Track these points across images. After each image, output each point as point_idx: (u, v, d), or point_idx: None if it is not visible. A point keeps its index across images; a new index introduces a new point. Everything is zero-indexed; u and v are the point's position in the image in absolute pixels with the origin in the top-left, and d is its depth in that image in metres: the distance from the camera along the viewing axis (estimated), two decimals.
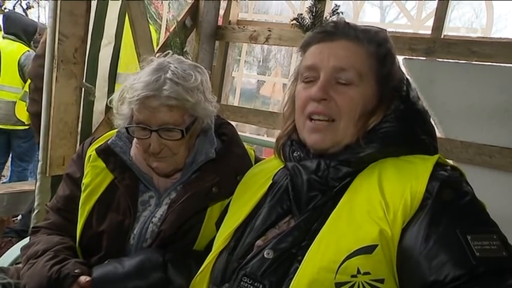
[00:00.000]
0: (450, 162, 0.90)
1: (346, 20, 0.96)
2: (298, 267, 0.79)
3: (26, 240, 1.30)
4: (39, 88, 2.13)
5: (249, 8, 3.63)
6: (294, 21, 2.32)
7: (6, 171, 4.23)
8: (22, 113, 3.54)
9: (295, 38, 2.48)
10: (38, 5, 8.27)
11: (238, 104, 3.75)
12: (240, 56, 4.38)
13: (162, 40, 3.21)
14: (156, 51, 2.51)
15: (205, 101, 1.15)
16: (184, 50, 2.63)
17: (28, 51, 3.66)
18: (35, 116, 2.39)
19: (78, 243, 1.18)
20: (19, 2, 7.70)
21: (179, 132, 1.10)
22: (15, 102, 3.62)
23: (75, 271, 1.04)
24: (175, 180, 1.20)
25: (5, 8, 7.07)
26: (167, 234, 1.11)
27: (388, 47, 0.92)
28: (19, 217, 3.21)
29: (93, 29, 2.20)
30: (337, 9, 2.20)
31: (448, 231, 0.73)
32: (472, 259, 0.69)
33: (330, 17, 2.24)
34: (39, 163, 2.02)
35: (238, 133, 1.30)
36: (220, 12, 2.96)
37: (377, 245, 0.74)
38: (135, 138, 1.18)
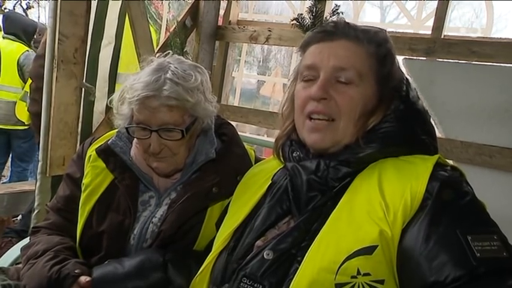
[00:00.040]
0: (450, 162, 0.90)
1: (346, 20, 0.96)
2: (298, 268, 0.79)
3: (26, 241, 1.30)
4: (40, 88, 2.13)
5: (249, 8, 3.63)
6: (294, 21, 2.32)
7: (7, 172, 4.23)
8: (22, 113, 3.55)
9: (295, 38, 2.48)
10: (38, 5, 8.27)
11: (238, 104, 3.75)
12: (240, 56, 4.38)
13: (162, 40, 3.21)
14: (156, 51, 2.51)
15: (206, 101, 1.15)
16: (185, 50, 2.63)
17: (27, 51, 3.67)
18: (36, 116, 2.39)
19: (78, 243, 1.18)
20: (19, 2, 7.70)
21: (179, 132, 1.10)
22: (16, 102, 3.63)
23: (75, 271, 1.04)
24: (176, 181, 1.20)
25: (5, 8, 7.07)
26: (167, 235, 1.11)
27: (388, 47, 0.92)
28: (19, 217, 3.21)
29: (93, 29, 2.20)
30: (337, 9, 2.20)
31: (448, 231, 0.73)
32: (473, 260, 0.69)
33: (330, 17, 2.24)
34: (40, 163, 2.02)
35: (239, 133, 1.30)
36: (220, 12, 2.96)
37: (377, 246, 0.74)
38: (135, 139, 1.18)
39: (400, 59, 0.98)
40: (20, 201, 2.66)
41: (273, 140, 1.06)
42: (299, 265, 0.79)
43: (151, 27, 2.58)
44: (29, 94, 3.33)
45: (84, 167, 1.22)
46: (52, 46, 1.94)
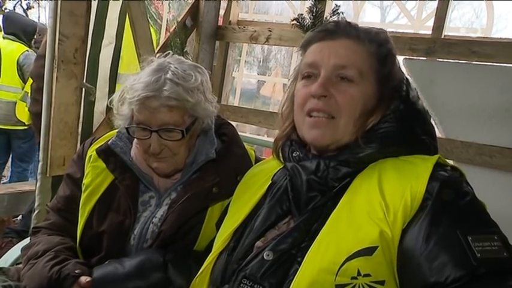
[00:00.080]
0: (450, 162, 0.90)
1: (348, 20, 0.96)
2: (298, 269, 0.78)
3: (27, 241, 1.30)
4: (41, 88, 2.13)
5: (249, 8, 3.63)
6: (294, 22, 2.32)
7: (7, 172, 4.23)
8: (22, 113, 3.55)
9: (295, 38, 2.48)
10: (39, 5, 8.28)
11: (238, 104, 3.75)
12: (240, 56, 4.38)
13: (162, 40, 3.21)
14: (156, 51, 2.51)
15: (206, 101, 1.15)
16: (185, 50, 2.63)
17: (27, 50, 3.67)
18: (37, 116, 2.39)
19: (78, 243, 1.18)
20: (19, 2, 7.70)
21: (179, 132, 1.10)
22: (16, 102, 3.63)
23: (76, 271, 1.04)
24: (176, 181, 1.20)
25: (5, 8, 7.08)
26: (167, 235, 1.11)
27: (389, 48, 0.92)
28: (19, 217, 3.21)
29: (93, 29, 2.20)
30: (337, 9, 2.20)
31: (449, 232, 0.73)
32: (473, 260, 0.69)
33: (330, 17, 2.24)
34: (40, 163, 2.02)
35: (239, 133, 1.30)
36: (220, 13, 2.96)
37: (377, 247, 0.74)
38: (135, 139, 1.18)
39: (400, 59, 0.98)
40: (20, 201, 2.66)
41: (273, 140, 1.05)
42: (299, 266, 0.79)
43: (151, 28, 2.58)
44: (29, 94, 3.34)
45: (84, 167, 1.22)
46: (52, 46, 1.95)
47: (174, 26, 2.73)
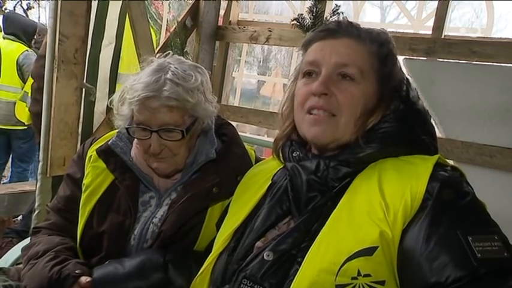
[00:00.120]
0: (451, 162, 0.90)
1: (350, 20, 0.96)
2: (298, 269, 0.78)
3: (27, 241, 1.30)
4: (41, 88, 2.13)
5: (249, 8, 3.63)
6: (295, 22, 2.32)
7: (7, 172, 4.23)
8: (22, 113, 3.55)
9: (295, 38, 2.48)
10: (39, 6, 8.28)
11: (238, 104, 3.75)
12: (240, 56, 4.38)
13: (162, 40, 3.21)
14: (156, 51, 2.51)
15: (206, 102, 1.15)
16: (185, 50, 2.63)
17: (27, 50, 3.67)
18: (37, 116, 2.39)
19: (78, 243, 1.18)
20: (19, 2, 7.71)
21: (179, 132, 1.10)
22: (16, 102, 3.63)
23: (76, 272, 1.04)
24: (176, 181, 1.20)
25: (5, 9, 7.08)
26: (168, 235, 1.11)
27: (389, 48, 0.92)
28: (20, 217, 3.21)
29: (93, 30, 2.20)
30: (337, 9, 2.20)
31: (449, 232, 0.73)
32: (473, 260, 0.69)
33: (331, 17, 2.24)
34: (40, 163, 2.02)
35: (239, 133, 1.30)
36: (220, 13, 2.96)
37: (377, 247, 0.74)
38: (135, 139, 1.18)
39: (400, 59, 0.98)
40: (21, 201, 2.67)
41: (273, 140, 1.05)
42: (299, 266, 0.79)
43: (150, 28, 2.58)
44: (29, 94, 3.34)
45: (84, 167, 1.22)
46: (52, 46, 1.95)
47: (174, 26, 2.73)
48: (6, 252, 1.50)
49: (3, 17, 3.95)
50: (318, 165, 0.87)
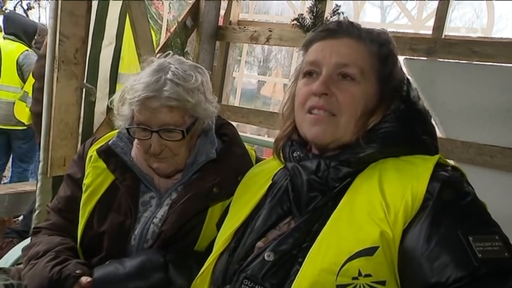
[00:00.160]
0: (451, 162, 0.90)
1: (350, 20, 0.96)
2: (299, 269, 0.78)
3: (27, 241, 1.30)
4: (43, 88, 2.14)
5: (250, 8, 3.63)
6: (295, 22, 2.32)
7: (7, 172, 4.24)
8: (21, 113, 3.55)
9: (296, 38, 2.48)
10: (39, 6, 8.29)
11: (238, 105, 3.75)
12: (240, 56, 4.38)
13: (162, 41, 3.21)
14: (156, 51, 2.51)
15: (206, 102, 1.15)
16: (185, 50, 2.63)
17: (27, 50, 3.67)
18: (38, 116, 2.40)
19: (79, 243, 1.18)
20: (20, 2, 7.71)
21: (180, 133, 1.10)
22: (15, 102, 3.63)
23: (76, 272, 1.04)
24: (176, 181, 1.20)
25: (5, 9, 7.09)
26: (168, 235, 1.11)
27: (390, 48, 0.92)
28: (20, 218, 3.21)
29: (94, 30, 2.20)
30: (337, 9, 2.20)
31: (450, 232, 0.73)
32: (474, 260, 0.69)
33: (331, 17, 2.24)
34: (40, 164, 2.02)
35: (239, 133, 1.30)
36: (221, 13, 2.96)
37: (378, 247, 0.74)
38: (136, 139, 1.18)
39: (400, 59, 0.98)
40: (21, 201, 2.67)
41: (273, 140, 1.05)
42: (300, 266, 0.79)
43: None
44: (29, 94, 3.34)
45: (85, 167, 1.22)
46: (53, 46, 1.95)
47: (174, 26, 2.73)
48: (7, 252, 1.50)
49: (4, 17, 3.95)
50: (318, 165, 0.87)
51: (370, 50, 0.90)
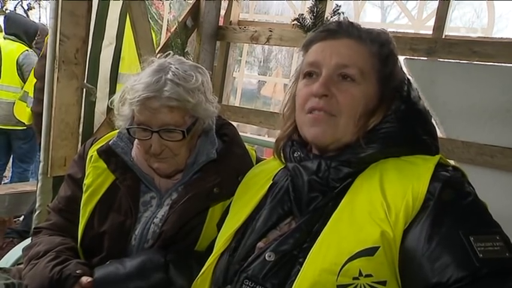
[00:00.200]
0: (451, 162, 0.90)
1: (350, 20, 0.96)
2: (299, 270, 0.78)
3: (28, 241, 1.30)
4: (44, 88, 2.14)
5: (250, 8, 3.62)
6: (295, 22, 2.32)
7: (8, 172, 4.24)
8: (21, 113, 3.55)
9: (296, 38, 2.48)
10: (39, 6, 8.28)
11: (239, 105, 3.75)
12: (241, 57, 4.38)
13: (163, 41, 3.21)
14: (157, 51, 2.51)
15: (206, 102, 1.15)
16: (186, 50, 2.63)
17: (27, 50, 3.67)
18: (40, 116, 2.40)
19: (79, 243, 1.18)
20: (20, 3, 7.71)
21: (180, 133, 1.10)
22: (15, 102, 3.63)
23: (77, 272, 1.05)
24: (177, 181, 1.20)
25: (6, 9, 7.09)
26: (168, 235, 1.11)
27: (390, 48, 0.92)
28: (21, 218, 3.21)
29: (94, 30, 2.20)
30: (338, 9, 2.20)
31: (451, 232, 0.73)
32: (475, 261, 0.69)
33: (331, 17, 2.24)
34: (41, 164, 2.02)
35: (240, 133, 1.30)
36: (221, 13, 2.96)
37: (379, 247, 0.74)
38: (136, 139, 1.18)
39: (401, 59, 0.98)
40: (22, 201, 2.67)
41: (274, 140, 1.05)
42: (301, 267, 0.79)
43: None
44: (29, 94, 3.34)
45: (85, 167, 1.22)
46: (53, 47, 1.95)
47: (174, 27, 2.73)
48: (7, 252, 1.50)
49: (5, 17, 3.95)
50: (319, 165, 0.87)
51: (371, 50, 0.90)
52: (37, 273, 1.08)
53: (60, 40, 1.93)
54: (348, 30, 0.92)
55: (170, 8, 4.43)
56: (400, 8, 3.69)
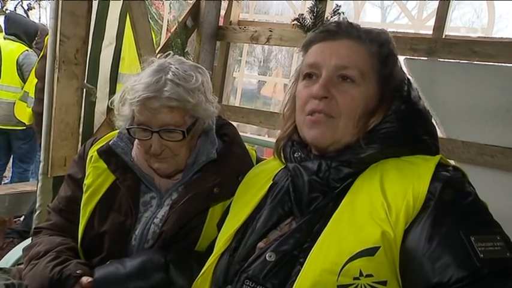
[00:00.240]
0: (452, 162, 0.90)
1: (349, 20, 0.96)
2: (300, 270, 0.78)
3: (28, 241, 1.30)
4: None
5: (250, 8, 3.62)
6: (295, 22, 2.32)
7: (8, 173, 4.24)
8: (22, 113, 3.55)
9: (296, 38, 2.48)
10: (39, 6, 8.28)
11: (239, 105, 3.75)
12: (241, 57, 4.38)
13: (163, 41, 3.21)
14: (157, 52, 2.51)
15: (207, 102, 1.15)
16: (186, 50, 2.63)
17: (27, 50, 3.67)
18: (40, 116, 2.40)
19: (80, 244, 1.18)
20: (20, 3, 7.71)
21: (180, 133, 1.10)
22: (15, 102, 3.63)
23: (77, 272, 1.04)
24: (177, 181, 1.20)
25: (6, 9, 7.09)
26: (169, 235, 1.11)
27: (390, 48, 0.92)
28: (21, 218, 3.21)
29: (94, 30, 2.20)
30: (338, 10, 2.20)
31: (452, 232, 0.73)
32: (476, 261, 0.69)
33: (331, 17, 2.24)
34: (41, 164, 2.02)
35: (240, 133, 1.30)
36: (221, 13, 2.96)
37: (379, 247, 0.74)
38: (136, 139, 1.18)
39: (401, 59, 0.98)
40: (22, 201, 2.67)
41: (274, 140, 1.05)
42: (301, 267, 0.79)
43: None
44: (29, 94, 3.34)
45: (85, 167, 1.22)
46: (53, 47, 1.95)
47: (174, 27, 2.73)
48: (8, 252, 1.50)
49: (5, 17, 3.96)
50: (319, 165, 0.87)
51: (370, 50, 0.90)
52: (37, 274, 1.08)
53: (60, 40, 1.93)
54: (347, 30, 0.92)
55: (170, 8, 4.44)
56: (400, 8, 3.69)
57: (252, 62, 13.55)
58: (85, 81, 2.14)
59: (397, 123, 0.88)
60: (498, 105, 1.91)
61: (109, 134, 1.28)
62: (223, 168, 1.16)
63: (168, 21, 4.20)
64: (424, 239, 0.73)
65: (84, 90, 2.13)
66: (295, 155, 0.94)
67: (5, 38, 3.69)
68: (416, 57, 2.19)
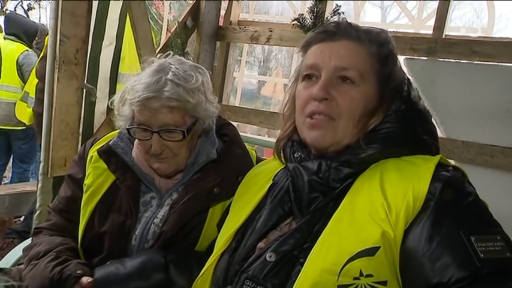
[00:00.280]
0: (452, 162, 0.90)
1: (349, 21, 0.96)
2: (300, 270, 0.78)
3: (28, 241, 1.30)
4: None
5: (250, 8, 3.63)
6: (295, 22, 2.32)
7: (8, 173, 4.24)
8: (22, 113, 3.55)
9: (296, 38, 2.48)
10: (39, 6, 8.28)
11: (239, 105, 3.75)
12: (241, 57, 4.38)
13: (163, 41, 3.21)
14: (157, 52, 2.51)
15: (207, 102, 1.15)
16: (186, 50, 2.63)
17: (27, 50, 3.67)
18: (41, 116, 2.40)
19: (80, 244, 1.18)
20: (20, 3, 7.71)
21: (180, 133, 1.10)
22: (16, 102, 3.63)
23: (77, 272, 1.05)
24: (177, 181, 1.20)
25: (6, 9, 7.09)
26: (169, 235, 1.11)
27: (389, 48, 0.92)
28: (21, 218, 3.21)
29: (94, 30, 2.20)
30: (338, 10, 2.20)
31: (452, 232, 0.73)
32: (476, 261, 0.69)
33: (331, 17, 2.24)
34: (41, 164, 2.03)
35: (240, 133, 1.30)
36: (221, 13, 2.96)
37: (379, 247, 0.74)
38: (136, 139, 1.18)
39: (401, 59, 0.97)
40: (22, 202, 2.67)
41: (274, 140, 1.05)
42: (301, 267, 0.79)
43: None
44: (29, 94, 3.34)
45: (85, 167, 1.22)
46: (53, 47, 1.95)
47: (174, 27, 2.73)
48: (8, 252, 1.50)
49: (5, 17, 3.96)
50: (319, 166, 0.87)
51: (370, 50, 0.90)
52: (37, 274, 1.08)
53: (60, 40, 1.93)
54: (346, 31, 0.91)
55: (170, 8, 4.44)
56: (400, 8, 3.69)
57: (252, 62, 13.55)
58: (85, 81, 2.14)
59: (397, 123, 0.88)
60: (498, 105, 1.90)
61: (109, 134, 1.28)
62: (223, 168, 1.16)
63: (168, 21, 4.20)
64: (424, 239, 0.73)
65: (84, 90, 2.13)
66: (295, 155, 0.94)
67: (5, 38, 3.69)
68: (416, 57, 2.19)
